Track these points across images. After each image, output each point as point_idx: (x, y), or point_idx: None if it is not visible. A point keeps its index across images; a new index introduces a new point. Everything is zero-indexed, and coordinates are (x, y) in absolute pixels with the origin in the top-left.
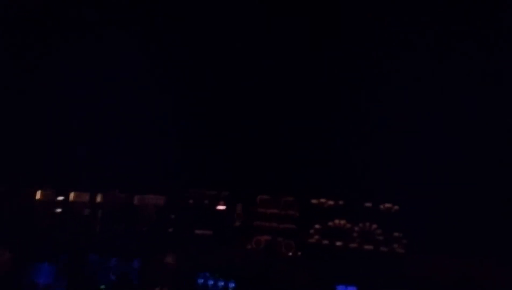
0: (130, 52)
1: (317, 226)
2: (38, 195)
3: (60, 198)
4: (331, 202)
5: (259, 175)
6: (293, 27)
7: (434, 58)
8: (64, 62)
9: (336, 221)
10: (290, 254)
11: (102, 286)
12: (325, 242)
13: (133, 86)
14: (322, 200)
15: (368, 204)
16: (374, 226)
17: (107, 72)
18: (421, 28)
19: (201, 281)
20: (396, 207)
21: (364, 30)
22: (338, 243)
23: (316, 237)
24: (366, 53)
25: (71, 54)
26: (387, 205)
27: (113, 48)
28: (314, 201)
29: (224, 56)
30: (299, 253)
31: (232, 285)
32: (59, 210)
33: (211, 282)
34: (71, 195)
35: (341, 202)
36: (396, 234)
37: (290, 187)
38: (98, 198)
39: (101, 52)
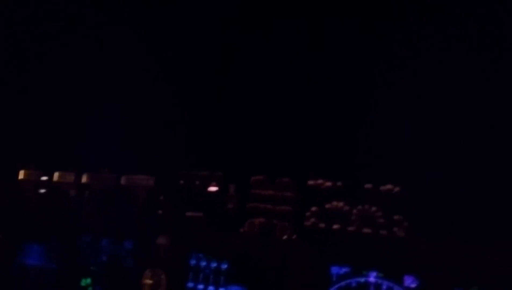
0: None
1: (313, 208)
2: (21, 175)
3: (44, 178)
4: (329, 184)
5: (253, 155)
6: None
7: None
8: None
9: (334, 204)
10: (285, 237)
11: (92, 268)
12: (322, 225)
13: (123, 66)
14: (320, 181)
15: (368, 186)
16: (374, 208)
17: (95, 54)
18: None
19: (193, 262)
20: (397, 189)
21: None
22: (336, 226)
23: (313, 220)
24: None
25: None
26: (388, 186)
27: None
28: (311, 182)
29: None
30: (295, 236)
31: (225, 266)
32: (43, 190)
33: (203, 263)
34: (56, 175)
35: (339, 184)
36: (396, 217)
37: (286, 167)
38: (84, 179)
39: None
